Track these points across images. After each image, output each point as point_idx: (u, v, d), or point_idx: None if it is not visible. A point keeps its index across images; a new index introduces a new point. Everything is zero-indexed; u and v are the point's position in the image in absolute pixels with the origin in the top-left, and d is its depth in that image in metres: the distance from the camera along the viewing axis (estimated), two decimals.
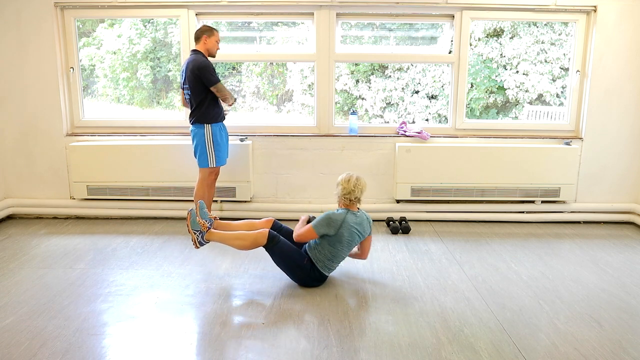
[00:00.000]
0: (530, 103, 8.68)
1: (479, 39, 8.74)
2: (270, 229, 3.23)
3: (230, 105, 3.93)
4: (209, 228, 3.13)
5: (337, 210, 3.13)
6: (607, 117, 4.38)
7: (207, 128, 3.80)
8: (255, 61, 8.87)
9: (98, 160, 4.37)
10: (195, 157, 3.91)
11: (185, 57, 4.40)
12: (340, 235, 3.04)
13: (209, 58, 3.83)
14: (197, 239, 3.10)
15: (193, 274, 3.29)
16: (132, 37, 9.47)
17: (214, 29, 3.83)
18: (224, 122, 3.96)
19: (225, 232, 3.14)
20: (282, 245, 3.05)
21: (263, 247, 3.05)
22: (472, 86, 8.76)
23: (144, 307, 2.83)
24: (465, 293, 3.04)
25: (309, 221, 3.26)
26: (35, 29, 4.28)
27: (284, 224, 3.38)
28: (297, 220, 3.41)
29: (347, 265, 3.32)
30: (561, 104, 8.41)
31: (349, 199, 3.12)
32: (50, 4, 4.25)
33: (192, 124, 3.85)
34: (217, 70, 3.84)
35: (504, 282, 3.21)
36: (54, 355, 2.34)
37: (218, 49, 3.88)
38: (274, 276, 3.24)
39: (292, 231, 3.25)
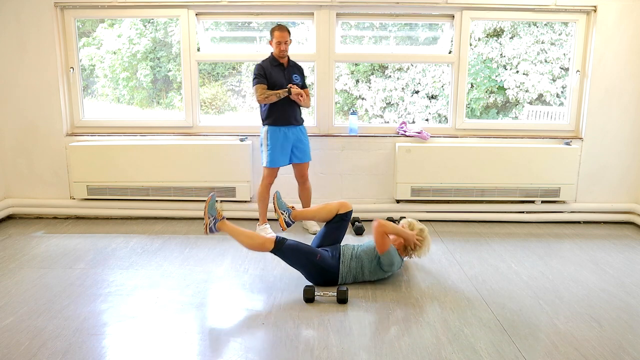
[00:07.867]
0: (531, 103, 8.68)
1: (479, 39, 8.75)
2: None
3: (290, 96, 3.94)
4: (224, 217, 3.15)
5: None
6: (607, 117, 4.38)
7: (263, 129, 3.95)
8: (256, 61, 8.87)
9: (98, 160, 4.37)
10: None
11: (185, 56, 4.41)
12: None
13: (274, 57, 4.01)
14: (210, 224, 3.11)
15: (193, 274, 3.29)
16: (132, 37, 9.47)
17: (274, 29, 3.87)
18: (290, 125, 4.02)
19: (237, 227, 3.14)
20: (290, 243, 3.03)
21: (271, 251, 3.03)
22: (472, 86, 8.77)
23: (144, 307, 2.83)
24: (465, 293, 3.04)
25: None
26: (35, 29, 4.28)
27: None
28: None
29: None
30: (561, 104, 8.41)
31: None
32: (50, 4, 4.25)
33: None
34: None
35: (504, 282, 3.21)
36: (54, 355, 2.34)
37: (279, 48, 3.90)
38: (274, 276, 3.25)
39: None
